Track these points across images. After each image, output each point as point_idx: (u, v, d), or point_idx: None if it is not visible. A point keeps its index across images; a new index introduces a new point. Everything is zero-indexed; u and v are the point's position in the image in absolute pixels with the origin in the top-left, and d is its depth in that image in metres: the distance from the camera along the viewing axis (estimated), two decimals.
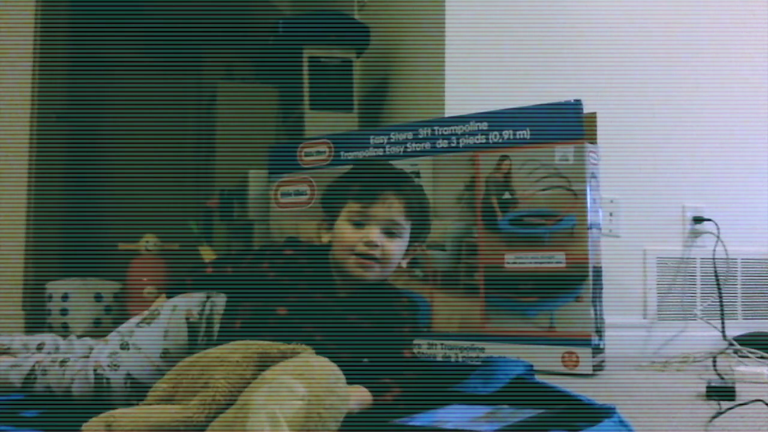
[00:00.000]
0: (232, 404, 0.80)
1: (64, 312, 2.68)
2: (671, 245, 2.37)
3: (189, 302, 1.24)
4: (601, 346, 1.80)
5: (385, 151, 2.03)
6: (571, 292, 1.75)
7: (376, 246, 1.21)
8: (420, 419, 1.04)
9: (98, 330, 2.61)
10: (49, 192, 3.06)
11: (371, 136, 2.07)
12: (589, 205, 1.76)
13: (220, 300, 1.25)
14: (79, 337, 1.45)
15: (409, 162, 1.95)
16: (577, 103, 1.78)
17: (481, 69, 2.24)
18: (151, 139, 4.50)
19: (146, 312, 1.26)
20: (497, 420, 1.02)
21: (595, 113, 1.82)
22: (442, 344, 1.89)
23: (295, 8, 4.12)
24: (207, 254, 2.80)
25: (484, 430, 0.96)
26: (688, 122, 2.42)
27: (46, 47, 2.93)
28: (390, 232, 1.23)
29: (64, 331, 2.62)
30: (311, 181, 2.18)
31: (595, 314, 1.77)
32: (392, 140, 2.03)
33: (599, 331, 1.79)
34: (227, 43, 4.31)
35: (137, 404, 0.92)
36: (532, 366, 1.38)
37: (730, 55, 2.49)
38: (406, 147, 2.00)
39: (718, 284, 2.31)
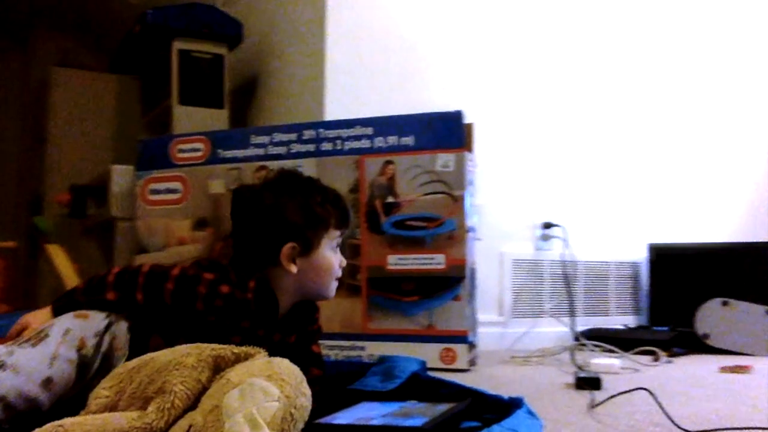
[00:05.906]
0: (190, 409, 0.78)
1: None
2: (525, 248, 2.57)
3: (84, 328, 1.03)
4: (475, 343, 1.92)
5: (266, 152, 2.02)
6: (450, 291, 1.85)
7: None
8: (342, 418, 1.06)
9: None
10: None
11: (252, 135, 2.05)
12: (467, 209, 1.87)
13: (122, 329, 1.05)
14: None
15: (292, 163, 1.96)
16: (459, 114, 1.88)
17: (360, 74, 2.29)
18: None
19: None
20: (419, 414, 1.06)
21: (472, 124, 1.93)
22: (323, 344, 1.91)
23: None
24: (55, 253, 2.61)
25: (412, 425, 1.01)
26: (541, 134, 2.63)
27: None
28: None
29: None
30: (185, 179, 2.11)
31: (472, 312, 1.88)
32: (275, 140, 2.02)
33: (473, 329, 1.91)
34: (63, 26, 4.02)
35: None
36: (425, 362, 1.45)
37: (584, 72, 2.73)
38: (289, 148, 2.00)
39: (566, 284, 2.53)
